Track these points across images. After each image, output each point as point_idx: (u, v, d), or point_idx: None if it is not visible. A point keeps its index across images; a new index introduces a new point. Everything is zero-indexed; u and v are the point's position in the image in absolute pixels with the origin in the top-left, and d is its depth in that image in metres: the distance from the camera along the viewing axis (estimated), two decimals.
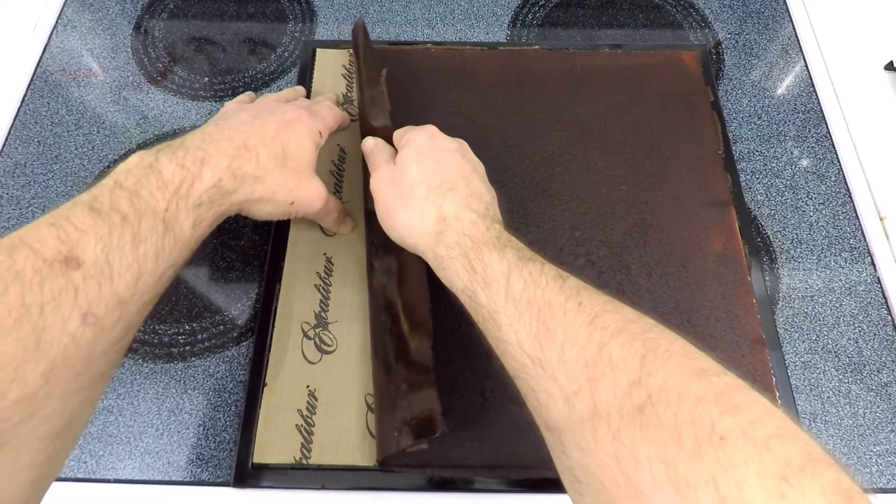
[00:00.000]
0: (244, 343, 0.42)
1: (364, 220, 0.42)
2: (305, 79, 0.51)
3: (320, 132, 0.40)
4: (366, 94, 0.45)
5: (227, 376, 0.41)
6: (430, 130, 0.39)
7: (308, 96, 0.49)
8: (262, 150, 0.35)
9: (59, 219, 0.27)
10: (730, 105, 0.52)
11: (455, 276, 0.32)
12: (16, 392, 0.23)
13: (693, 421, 0.21)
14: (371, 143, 0.41)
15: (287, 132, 0.37)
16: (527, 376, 0.27)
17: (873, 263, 0.45)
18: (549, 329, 0.27)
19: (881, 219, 0.46)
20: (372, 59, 0.46)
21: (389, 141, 0.41)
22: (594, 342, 0.25)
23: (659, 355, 0.24)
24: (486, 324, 0.30)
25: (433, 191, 0.35)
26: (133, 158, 0.32)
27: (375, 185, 0.37)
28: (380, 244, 0.39)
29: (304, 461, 0.36)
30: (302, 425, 0.37)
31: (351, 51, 0.52)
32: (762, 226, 0.46)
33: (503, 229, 0.33)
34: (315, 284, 0.42)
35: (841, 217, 0.47)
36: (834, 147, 0.50)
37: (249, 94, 0.44)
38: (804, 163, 0.49)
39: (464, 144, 0.39)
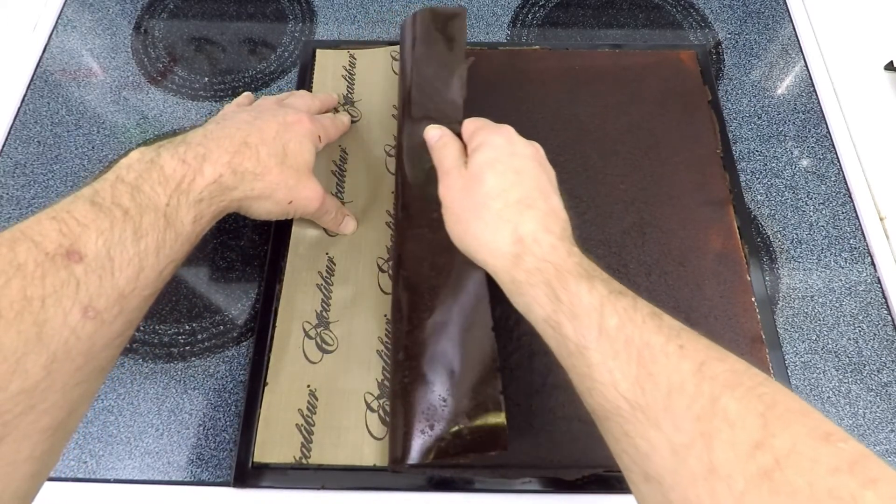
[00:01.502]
0: (244, 343, 0.42)
1: (396, 222, 0.41)
2: (305, 79, 0.51)
3: (320, 136, 0.40)
4: (432, 72, 0.42)
5: (227, 376, 0.41)
6: (508, 133, 0.36)
7: None
8: (263, 148, 0.35)
9: (61, 212, 0.27)
10: (730, 105, 0.52)
11: (535, 303, 0.30)
12: (17, 384, 0.23)
13: (830, 492, 0.20)
14: (436, 135, 0.38)
15: (288, 133, 0.37)
16: (621, 420, 0.26)
17: (873, 263, 0.45)
18: (651, 373, 0.25)
19: (881, 219, 0.46)
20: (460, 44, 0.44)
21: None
22: (704, 393, 0.24)
23: (780, 414, 0.22)
24: (571, 358, 0.28)
25: (509, 207, 0.32)
26: (134, 154, 0.32)
27: (446, 192, 0.35)
28: (429, 242, 0.38)
29: (304, 461, 0.37)
30: (302, 425, 0.37)
31: (351, 52, 0.52)
32: (762, 226, 0.46)
33: (583, 255, 0.31)
34: (317, 284, 0.42)
35: (841, 217, 0.47)
36: (834, 147, 0.50)
37: (248, 94, 0.44)
38: (804, 163, 0.49)
39: (539, 150, 0.37)
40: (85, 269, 0.26)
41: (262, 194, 0.35)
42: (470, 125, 0.38)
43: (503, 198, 0.33)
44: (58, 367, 0.25)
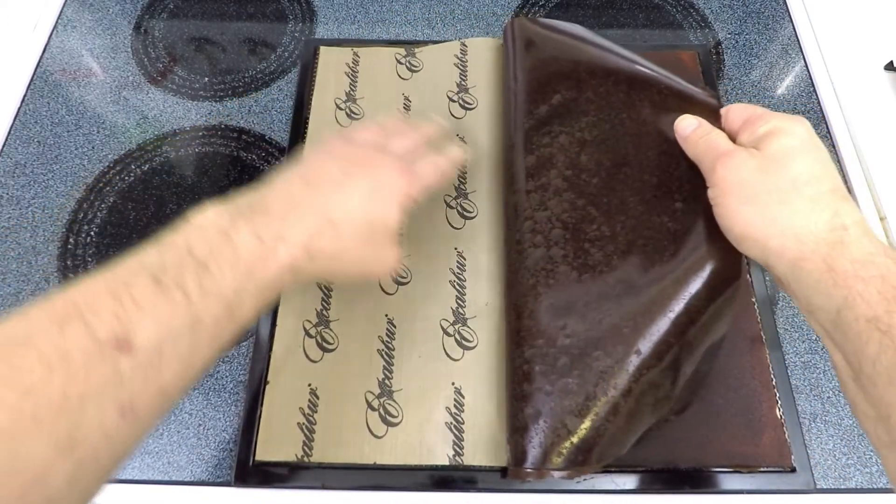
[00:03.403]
0: (244, 343, 0.42)
1: (517, 206, 0.39)
2: (307, 78, 0.51)
3: (416, 199, 0.34)
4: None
5: (227, 376, 0.41)
6: (807, 124, 0.33)
7: (310, 95, 0.49)
8: (347, 226, 0.31)
9: (119, 285, 0.24)
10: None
11: (861, 299, 0.27)
12: (37, 496, 0.21)
13: None
14: (692, 124, 0.37)
15: (378, 199, 0.32)
16: None
17: None
18: None
19: (881, 219, 0.46)
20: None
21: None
22: None
23: None
24: None
25: (824, 194, 0.30)
26: (210, 215, 0.28)
27: (731, 172, 0.33)
28: (669, 232, 0.36)
29: (304, 459, 0.37)
30: (303, 423, 0.37)
31: (355, 49, 0.52)
32: None
33: None
34: (317, 283, 0.42)
35: None
36: (834, 147, 0.50)
37: (379, 126, 0.38)
38: None
39: None
40: (132, 364, 0.23)
41: (330, 273, 0.32)
42: (743, 111, 0.35)
43: (815, 185, 0.31)
44: (82, 475, 0.22)
